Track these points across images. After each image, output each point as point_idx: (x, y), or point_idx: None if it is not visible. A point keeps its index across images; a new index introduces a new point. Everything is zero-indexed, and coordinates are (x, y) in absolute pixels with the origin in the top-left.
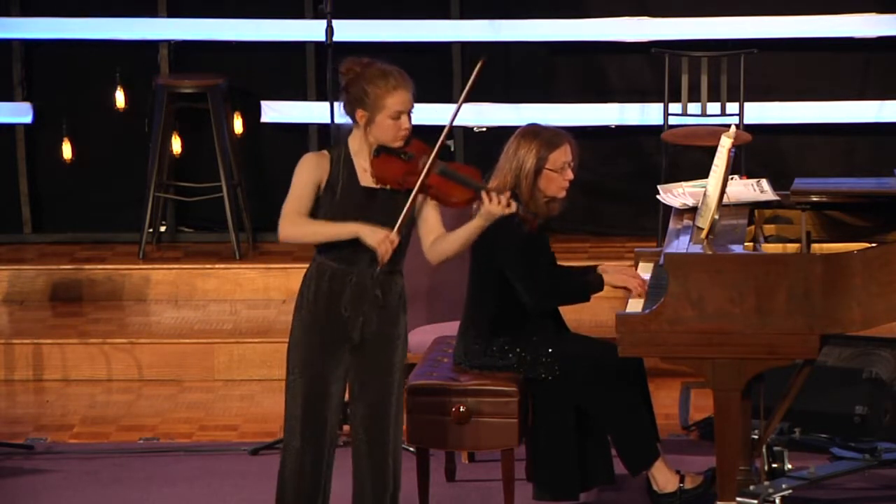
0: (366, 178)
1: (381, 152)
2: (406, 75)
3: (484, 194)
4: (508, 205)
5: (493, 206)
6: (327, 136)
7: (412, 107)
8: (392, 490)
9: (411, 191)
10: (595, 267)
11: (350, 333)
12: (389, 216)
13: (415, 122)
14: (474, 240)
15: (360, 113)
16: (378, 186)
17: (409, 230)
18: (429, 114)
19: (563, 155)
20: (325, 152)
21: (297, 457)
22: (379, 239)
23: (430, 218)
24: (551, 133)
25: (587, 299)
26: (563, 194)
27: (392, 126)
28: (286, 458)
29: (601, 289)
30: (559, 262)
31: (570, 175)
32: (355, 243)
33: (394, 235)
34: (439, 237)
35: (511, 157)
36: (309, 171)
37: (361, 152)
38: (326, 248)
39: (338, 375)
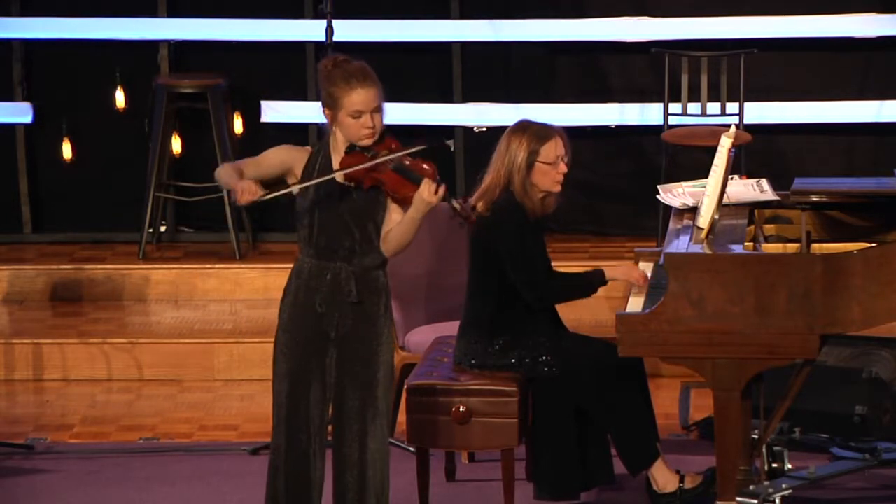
0: (338, 175)
1: (351, 150)
2: (370, 74)
3: (423, 183)
4: (436, 192)
5: (425, 193)
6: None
7: (376, 105)
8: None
9: (372, 187)
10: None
11: (326, 330)
12: (355, 213)
13: (415, 122)
14: (415, 228)
15: (326, 111)
16: (346, 183)
17: (377, 224)
18: (429, 114)
19: (554, 148)
20: (308, 147)
21: (283, 456)
22: (238, 186)
23: (391, 212)
24: (540, 127)
25: (588, 294)
26: (557, 188)
27: (354, 125)
28: (273, 457)
29: (603, 282)
30: (559, 264)
31: (563, 168)
32: (331, 239)
33: (258, 190)
34: (391, 230)
35: (503, 154)
36: (282, 154)
37: (336, 150)
38: (305, 245)
39: (320, 374)
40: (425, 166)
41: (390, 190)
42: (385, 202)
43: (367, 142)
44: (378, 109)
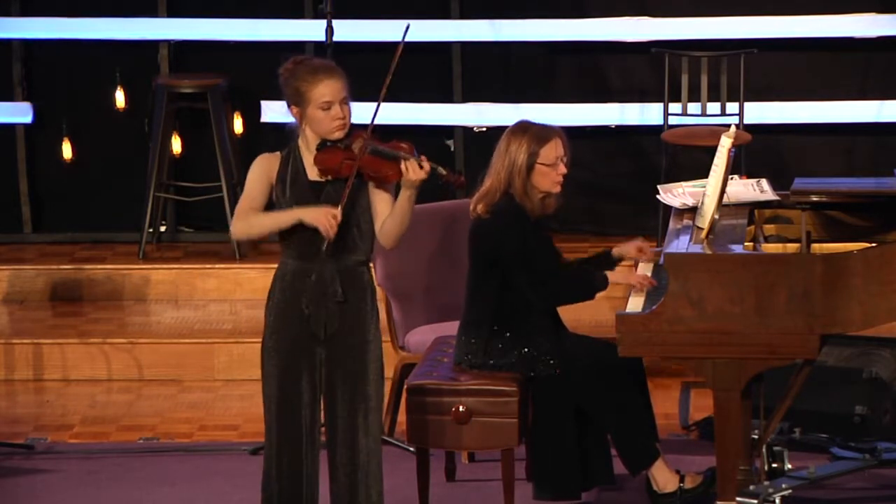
0: (313, 173)
1: (323, 146)
2: (335, 67)
3: (402, 163)
4: (421, 167)
5: (411, 173)
6: None
7: (344, 96)
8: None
9: (353, 179)
10: (609, 249)
11: (314, 331)
12: (336, 207)
13: (415, 122)
14: (411, 209)
15: (294, 110)
16: (323, 179)
17: (366, 219)
18: (429, 114)
19: (553, 149)
20: (278, 152)
21: (275, 460)
22: (319, 216)
23: (378, 205)
24: (541, 128)
25: (591, 297)
26: (557, 189)
27: (324, 117)
28: (266, 461)
29: (605, 286)
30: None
31: (562, 169)
32: (312, 239)
33: (336, 211)
34: (385, 220)
35: (503, 155)
36: (259, 170)
37: (308, 149)
38: (287, 247)
39: (309, 374)
40: (402, 144)
41: (371, 171)
42: (364, 198)
43: (338, 134)
44: (346, 101)
